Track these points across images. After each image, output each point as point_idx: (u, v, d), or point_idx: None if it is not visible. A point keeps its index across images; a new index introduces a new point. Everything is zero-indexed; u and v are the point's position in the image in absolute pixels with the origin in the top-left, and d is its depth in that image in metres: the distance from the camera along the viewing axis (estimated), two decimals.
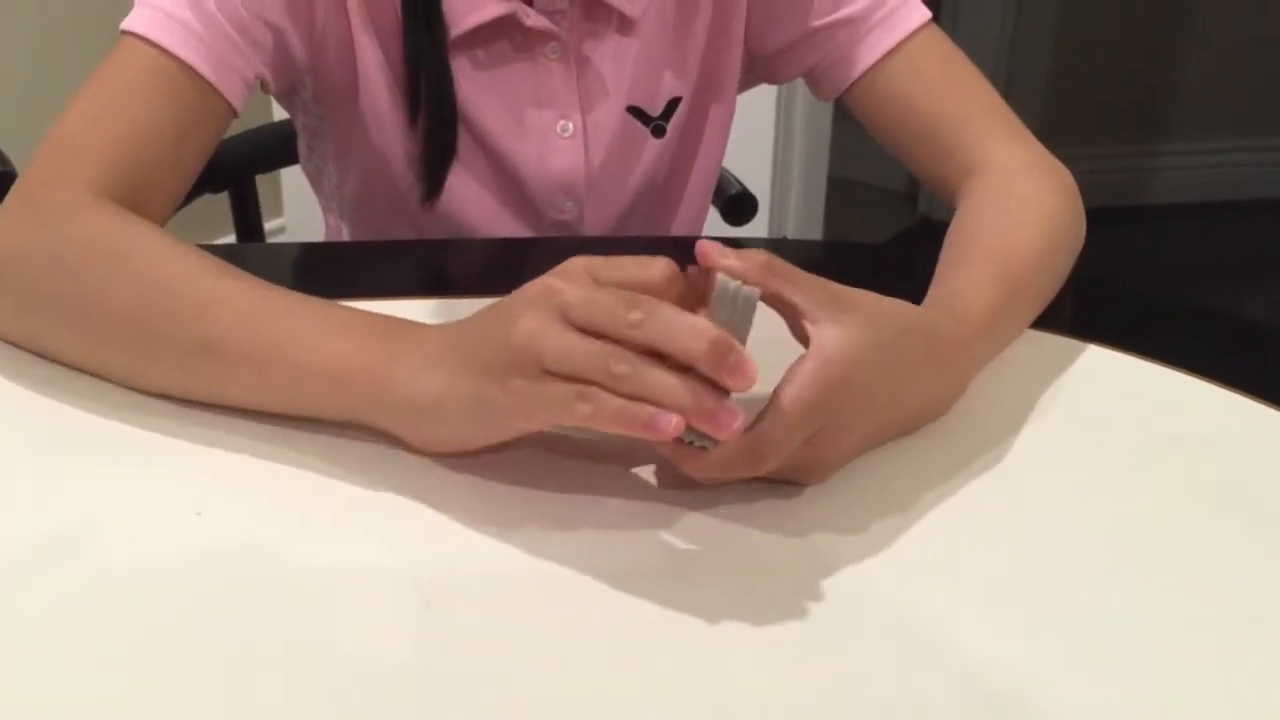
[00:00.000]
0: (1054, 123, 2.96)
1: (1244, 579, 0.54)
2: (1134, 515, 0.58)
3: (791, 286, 0.56)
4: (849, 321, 0.56)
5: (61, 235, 0.66)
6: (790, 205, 2.22)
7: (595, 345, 0.51)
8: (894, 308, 0.60)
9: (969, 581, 0.53)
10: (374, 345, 0.59)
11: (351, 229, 0.97)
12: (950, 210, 0.80)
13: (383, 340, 0.59)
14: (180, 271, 0.63)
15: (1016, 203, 0.78)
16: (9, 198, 0.69)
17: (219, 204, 1.14)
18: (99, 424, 0.62)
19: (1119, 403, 0.68)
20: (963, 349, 0.65)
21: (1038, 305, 0.73)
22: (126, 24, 0.74)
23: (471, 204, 0.90)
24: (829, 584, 0.52)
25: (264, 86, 0.82)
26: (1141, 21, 3.07)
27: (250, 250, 1.13)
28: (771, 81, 0.96)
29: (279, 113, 1.00)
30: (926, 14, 0.87)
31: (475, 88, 0.86)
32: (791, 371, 0.55)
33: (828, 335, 0.55)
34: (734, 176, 1.21)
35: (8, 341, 0.68)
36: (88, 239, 0.65)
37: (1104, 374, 0.71)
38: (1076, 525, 0.57)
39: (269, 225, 1.31)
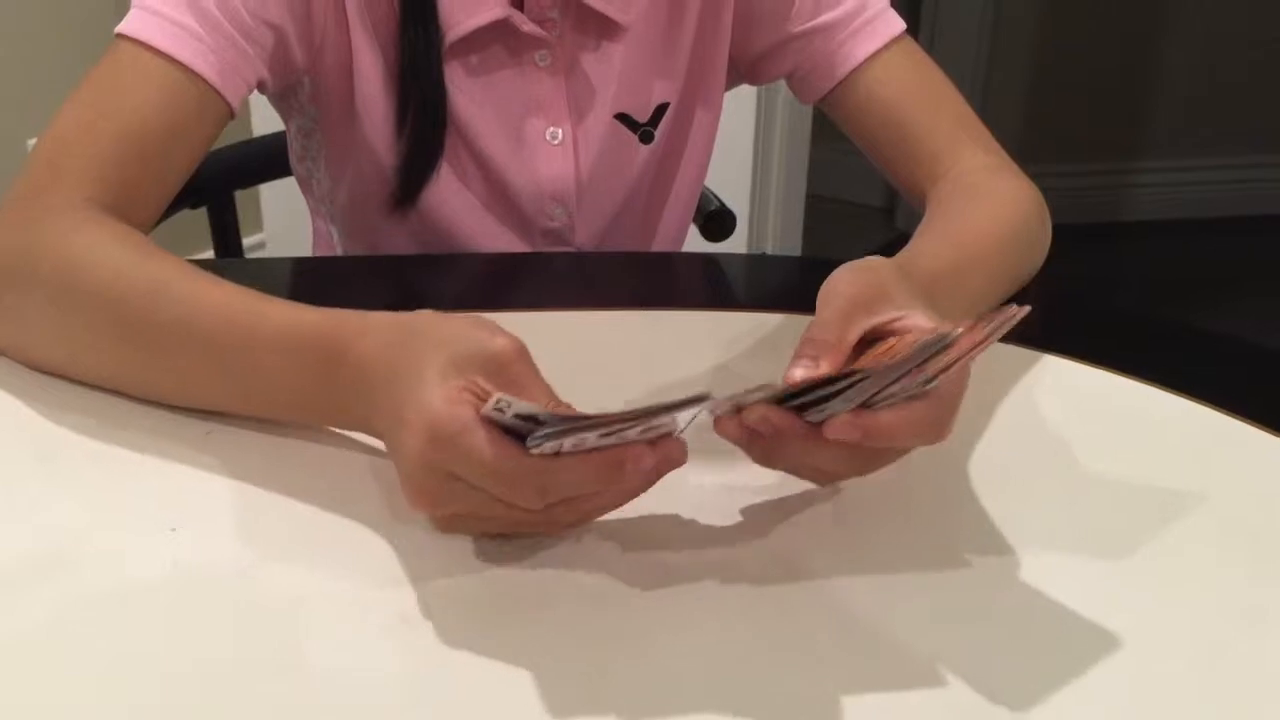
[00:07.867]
0: (1030, 140, 2.99)
1: (1218, 591, 0.55)
2: (1104, 528, 0.58)
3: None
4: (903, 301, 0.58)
5: (46, 244, 0.65)
6: (769, 221, 2.23)
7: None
8: (882, 268, 0.61)
9: (943, 594, 0.54)
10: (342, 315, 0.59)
11: (341, 233, 0.97)
12: None
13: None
14: (161, 276, 0.63)
15: (978, 195, 0.81)
16: (2, 203, 0.69)
17: (198, 219, 1.14)
18: (71, 440, 0.62)
19: (1090, 416, 0.68)
20: (927, 290, 0.66)
21: (995, 284, 0.75)
22: (123, 28, 0.73)
23: (461, 211, 0.90)
24: (803, 598, 0.53)
25: (262, 87, 0.82)
26: (1118, 40, 3.10)
27: (229, 266, 1.13)
28: (753, 83, 0.98)
29: (259, 128, 1.00)
30: (901, 24, 0.89)
31: (467, 96, 0.86)
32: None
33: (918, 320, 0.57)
34: (713, 193, 1.21)
35: None
36: (71, 248, 0.65)
37: (1075, 388, 0.71)
38: (1045, 536, 0.58)
39: (248, 241, 1.30)
